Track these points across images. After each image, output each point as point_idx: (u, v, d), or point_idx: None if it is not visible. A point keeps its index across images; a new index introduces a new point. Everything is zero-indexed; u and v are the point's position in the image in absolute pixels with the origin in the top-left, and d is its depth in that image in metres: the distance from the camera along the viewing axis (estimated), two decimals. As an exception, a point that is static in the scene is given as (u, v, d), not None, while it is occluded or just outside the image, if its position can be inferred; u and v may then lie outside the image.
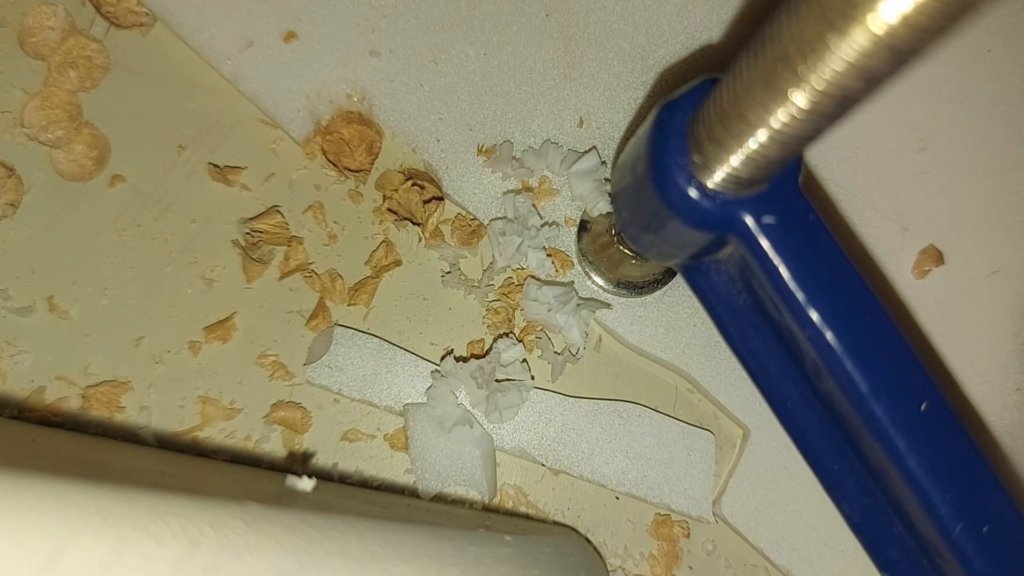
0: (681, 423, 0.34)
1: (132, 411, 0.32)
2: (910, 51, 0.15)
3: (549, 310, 0.33)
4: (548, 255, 0.33)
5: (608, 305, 0.34)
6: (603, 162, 0.34)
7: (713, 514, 0.34)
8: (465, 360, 0.33)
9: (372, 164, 0.34)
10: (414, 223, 0.34)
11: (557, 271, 0.34)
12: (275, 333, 0.33)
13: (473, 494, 0.33)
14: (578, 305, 0.33)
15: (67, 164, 0.32)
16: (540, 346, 0.34)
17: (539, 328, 0.34)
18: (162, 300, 0.32)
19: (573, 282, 0.34)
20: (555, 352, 0.34)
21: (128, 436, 0.31)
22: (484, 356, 0.33)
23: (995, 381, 0.35)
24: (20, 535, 0.15)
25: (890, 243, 0.35)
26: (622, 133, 0.34)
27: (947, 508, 0.23)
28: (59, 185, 0.33)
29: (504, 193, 0.34)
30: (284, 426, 0.32)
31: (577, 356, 0.34)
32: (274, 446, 0.32)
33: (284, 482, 0.25)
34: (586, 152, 0.34)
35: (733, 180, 0.21)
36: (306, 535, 0.19)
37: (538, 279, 0.33)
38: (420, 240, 0.34)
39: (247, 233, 0.33)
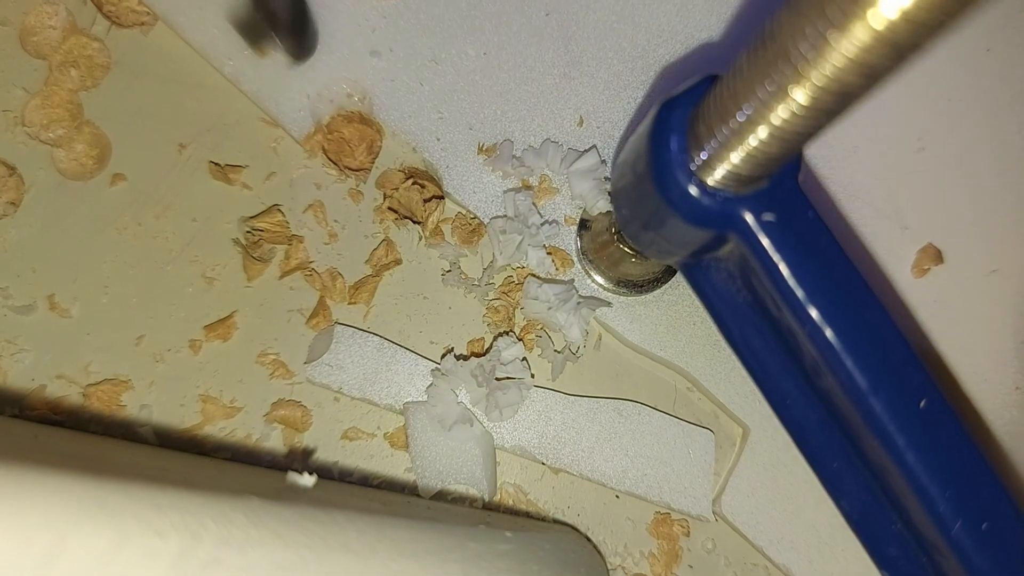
0: (681, 421, 0.34)
1: (133, 409, 0.32)
2: (910, 47, 0.15)
3: (549, 308, 0.33)
4: (548, 253, 0.33)
5: (608, 303, 0.34)
6: (603, 161, 0.34)
7: (713, 512, 0.34)
8: (465, 358, 0.33)
9: (372, 163, 0.34)
10: (414, 222, 0.34)
11: (557, 269, 0.34)
12: (275, 332, 0.33)
13: (473, 492, 0.33)
14: (578, 303, 0.33)
15: (68, 163, 0.33)
16: (540, 344, 0.34)
17: (539, 327, 0.34)
18: (163, 299, 0.33)
19: (573, 280, 0.34)
20: (555, 350, 0.34)
21: (129, 434, 0.31)
22: (484, 354, 0.33)
23: (994, 379, 0.35)
24: (21, 528, 0.15)
25: (889, 242, 0.35)
26: (622, 132, 0.35)
27: (946, 505, 0.23)
28: (60, 184, 0.33)
29: (504, 192, 0.34)
30: (285, 425, 0.32)
31: (577, 354, 0.34)
32: (275, 444, 0.32)
33: (285, 479, 0.25)
34: (586, 151, 0.34)
35: (733, 177, 0.21)
36: (307, 530, 0.20)
37: (538, 277, 0.33)
38: (420, 239, 0.34)
39: (248, 232, 0.33)
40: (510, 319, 0.34)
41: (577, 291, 0.33)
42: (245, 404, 0.32)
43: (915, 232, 0.35)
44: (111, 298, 0.32)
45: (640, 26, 0.35)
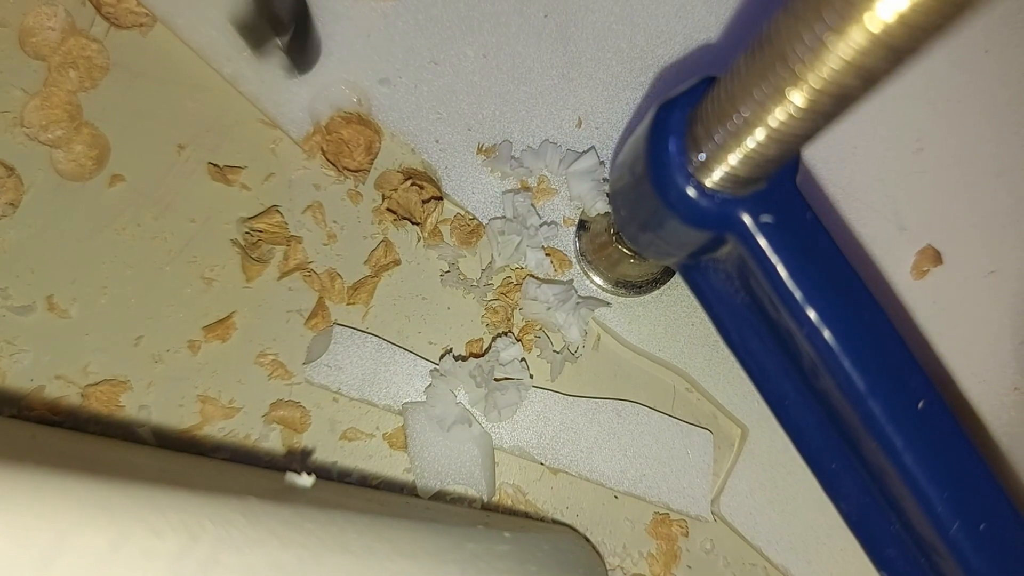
0: (680, 422, 0.34)
1: (131, 410, 0.32)
2: (907, 50, 0.15)
3: (548, 308, 0.33)
4: (547, 255, 0.33)
5: (607, 303, 0.34)
6: (601, 162, 0.34)
7: (712, 513, 0.34)
8: (464, 359, 0.33)
9: (371, 164, 0.34)
10: (413, 223, 0.34)
11: (556, 271, 0.34)
12: (274, 332, 0.33)
13: (472, 493, 0.33)
14: (577, 304, 0.33)
15: (67, 164, 0.33)
16: (539, 345, 0.34)
17: (538, 327, 0.34)
18: (161, 299, 0.33)
19: (572, 280, 0.34)
20: (554, 351, 0.34)
21: (127, 435, 0.31)
22: (483, 355, 0.33)
23: (993, 380, 0.35)
24: (20, 528, 0.15)
25: (888, 243, 0.35)
26: (620, 133, 0.35)
27: (944, 506, 0.23)
28: (59, 185, 0.33)
29: (504, 192, 0.34)
30: (283, 425, 0.32)
31: (576, 355, 0.34)
32: (273, 445, 0.32)
33: (283, 479, 0.25)
34: (584, 152, 0.34)
35: (731, 179, 0.21)
36: (305, 530, 0.20)
37: (537, 278, 0.34)
38: (419, 240, 0.34)
39: (247, 232, 0.33)
40: (508, 320, 0.34)
41: (576, 291, 0.33)
42: (244, 404, 0.32)
43: (914, 233, 0.35)
44: (110, 299, 0.32)
45: (639, 27, 0.35)
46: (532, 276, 0.34)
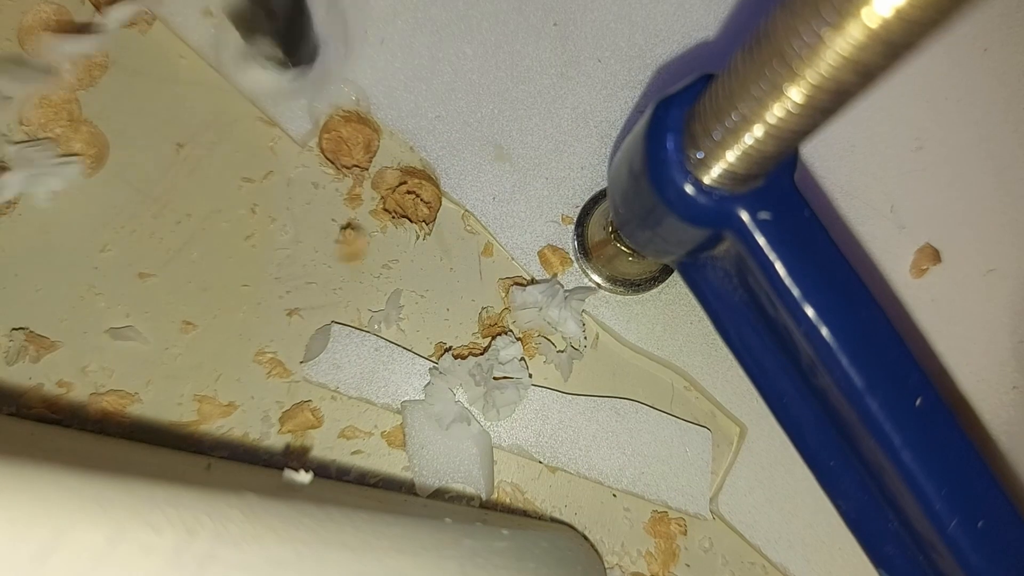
0: (678, 420, 0.34)
1: (129, 408, 0.32)
2: (904, 44, 0.15)
3: (540, 309, 0.33)
4: (545, 256, 0.34)
5: (595, 289, 0.34)
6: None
7: (710, 511, 0.34)
8: (463, 357, 0.33)
9: (370, 162, 0.34)
10: (411, 220, 0.34)
11: (557, 272, 0.34)
12: (273, 331, 0.33)
13: (470, 491, 0.33)
14: (566, 296, 0.33)
15: (66, 162, 0.33)
16: (542, 351, 0.34)
17: (536, 334, 0.34)
18: (160, 298, 0.32)
19: (557, 274, 0.34)
20: (558, 351, 0.34)
21: (125, 433, 0.31)
22: (482, 354, 0.33)
23: (991, 379, 0.35)
24: (17, 523, 0.15)
25: (887, 241, 0.35)
26: (619, 131, 0.35)
27: (942, 504, 0.23)
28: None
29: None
30: (301, 430, 0.32)
31: (581, 349, 0.34)
32: (272, 443, 0.32)
33: (281, 476, 0.25)
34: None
35: (729, 176, 0.21)
36: (303, 526, 0.20)
37: (521, 282, 0.34)
38: (417, 237, 0.34)
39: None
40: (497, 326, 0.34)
41: (562, 285, 0.33)
42: (242, 403, 0.32)
43: (913, 231, 0.35)
44: (108, 298, 0.32)
45: (637, 26, 0.35)
46: (517, 284, 0.34)
